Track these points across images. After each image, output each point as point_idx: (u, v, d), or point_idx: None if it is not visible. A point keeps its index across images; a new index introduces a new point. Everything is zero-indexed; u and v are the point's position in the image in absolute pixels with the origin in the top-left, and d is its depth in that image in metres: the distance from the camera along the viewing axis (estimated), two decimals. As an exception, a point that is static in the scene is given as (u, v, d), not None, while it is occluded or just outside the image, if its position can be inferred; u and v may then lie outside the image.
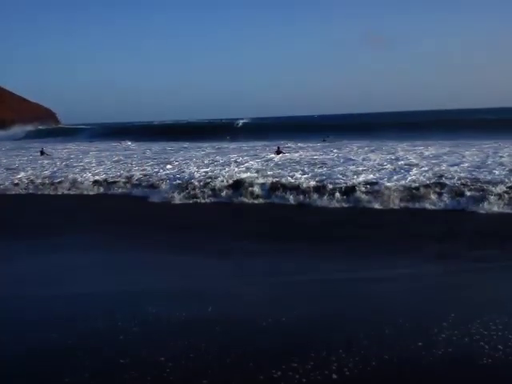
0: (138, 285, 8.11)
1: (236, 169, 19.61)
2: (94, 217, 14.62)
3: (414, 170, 17.40)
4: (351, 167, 19.08)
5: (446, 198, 14.18)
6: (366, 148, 29.05)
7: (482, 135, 35.52)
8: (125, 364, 5.35)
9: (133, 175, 20.12)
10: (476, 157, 21.14)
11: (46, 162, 27.72)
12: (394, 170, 18.10)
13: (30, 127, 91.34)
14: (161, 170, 20.87)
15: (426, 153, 24.03)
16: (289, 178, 17.14)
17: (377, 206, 14.31)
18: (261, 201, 15.89)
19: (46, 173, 22.25)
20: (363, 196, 14.83)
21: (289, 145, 34.58)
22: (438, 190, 14.61)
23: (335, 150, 27.94)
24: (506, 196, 13.59)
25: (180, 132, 58.25)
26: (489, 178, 15.40)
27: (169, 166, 22.04)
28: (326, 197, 15.19)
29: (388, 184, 15.31)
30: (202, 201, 16.30)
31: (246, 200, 15.99)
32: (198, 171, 19.41)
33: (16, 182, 20.67)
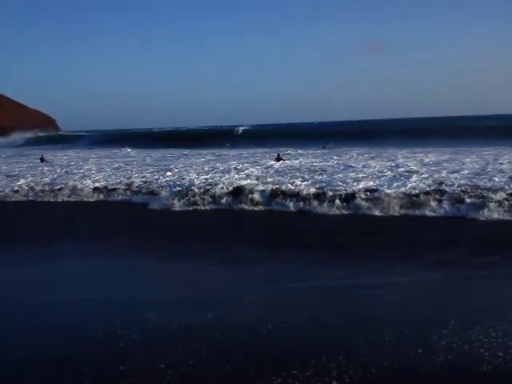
0: (137, 291, 8.11)
1: (236, 176, 19.61)
2: (94, 224, 14.62)
3: (414, 177, 17.39)
4: (351, 174, 19.08)
5: (445, 204, 14.17)
6: (366, 155, 29.07)
7: (482, 142, 35.59)
8: (125, 371, 5.35)
9: (133, 182, 20.12)
10: (476, 164, 21.15)
11: (46, 168, 27.72)
12: (394, 176, 18.09)
13: (29, 134, 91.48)
14: (161, 177, 20.86)
15: (426, 160, 24.05)
16: (289, 184, 17.13)
17: (377, 212, 14.30)
18: (261, 208, 15.88)
19: (46, 180, 22.24)
20: (363, 203, 14.82)
21: (289, 152, 34.60)
22: (437, 196, 14.60)
23: (335, 157, 27.98)
24: (506, 203, 13.58)
25: (180, 139, 58.30)
26: (489, 184, 15.40)
27: (169, 173, 22.04)
28: (325, 204, 15.18)
29: (388, 191, 15.30)
30: (202, 208, 16.29)
31: (245, 207, 15.98)
32: (197, 178, 19.40)
33: (16, 188, 20.65)
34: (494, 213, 13.29)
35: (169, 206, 16.54)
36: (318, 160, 26.71)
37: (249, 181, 18.18)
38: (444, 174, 18.16)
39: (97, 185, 20.25)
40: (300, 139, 50.55)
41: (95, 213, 16.72)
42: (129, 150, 47.09)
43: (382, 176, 18.34)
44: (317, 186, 16.76)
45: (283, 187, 16.84)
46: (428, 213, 13.97)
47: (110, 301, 7.74)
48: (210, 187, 17.47)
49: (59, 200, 19.24)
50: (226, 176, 19.58)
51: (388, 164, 22.44)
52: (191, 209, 16.23)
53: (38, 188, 20.53)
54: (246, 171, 21.35)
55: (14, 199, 19.68)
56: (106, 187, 19.81)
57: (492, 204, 13.58)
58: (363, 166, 21.88)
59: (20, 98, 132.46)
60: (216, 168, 23.33)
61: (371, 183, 16.68)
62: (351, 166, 22.13)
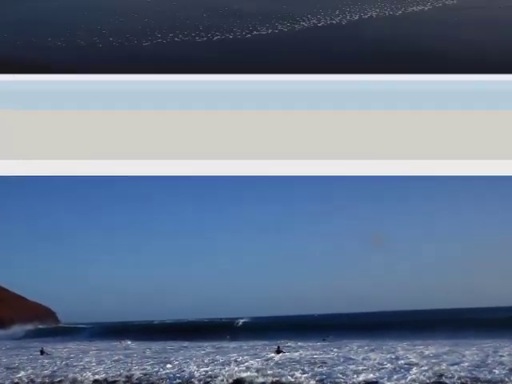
0: None
1: (236, 368, 19.60)
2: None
3: (414, 369, 17.44)
4: (351, 366, 19.08)
5: (446, 397, 14.19)
6: (366, 347, 28.96)
7: (483, 334, 35.48)
8: None
9: (133, 374, 20.05)
10: (476, 356, 21.15)
11: (46, 361, 27.56)
12: (394, 369, 18.12)
13: (29, 326, 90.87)
14: (161, 369, 20.80)
15: (426, 352, 24.00)
16: (289, 377, 17.17)
17: (377, 405, 14.27)
18: (261, 399, 15.82)
19: (46, 372, 22.12)
20: (363, 395, 14.83)
21: (289, 344, 34.40)
22: (438, 389, 14.64)
23: (335, 349, 27.84)
24: (506, 395, 13.65)
25: (180, 331, 58.09)
26: (489, 377, 15.49)
27: (169, 366, 21.97)
28: (326, 396, 15.17)
29: (388, 383, 15.34)
30: (203, 400, 16.21)
31: (246, 399, 15.92)
32: (197, 370, 19.39)
33: (16, 381, 20.53)
34: (494, 405, 13.32)
35: (168, 399, 16.46)
36: (317, 352, 26.60)
37: (249, 373, 18.20)
38: (444, 366, 18.20)
39: (97, 377, 20.17)
40: (300, 331, 50.31)
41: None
42: (129, 342, 46.80)
43: (382, 368, 18.37)
44: (317, 378, 16.81)
45: (283, 379, 16.88)
46: (428, 406, 13.96)
47: None
48: (210, 379, 17.50)
49: (58, 392, 19.08)
50: (226, 368, 19.57)
51: (388, 356, 22.41)
52: (191, 402, 16.14)
53: (38, 380, 20.44)
54: (245, 363, 21.30)
55: (13, 392, 19.52)
56: (106, 379, 19.75)
57: (492, 396, 13.64)
58: (363, 359, 21.85)
59: (18, 289, 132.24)
60: (216, 360, 23.26)
61: (371, 375, 16.75)
62: (351, 358, 22.09)
